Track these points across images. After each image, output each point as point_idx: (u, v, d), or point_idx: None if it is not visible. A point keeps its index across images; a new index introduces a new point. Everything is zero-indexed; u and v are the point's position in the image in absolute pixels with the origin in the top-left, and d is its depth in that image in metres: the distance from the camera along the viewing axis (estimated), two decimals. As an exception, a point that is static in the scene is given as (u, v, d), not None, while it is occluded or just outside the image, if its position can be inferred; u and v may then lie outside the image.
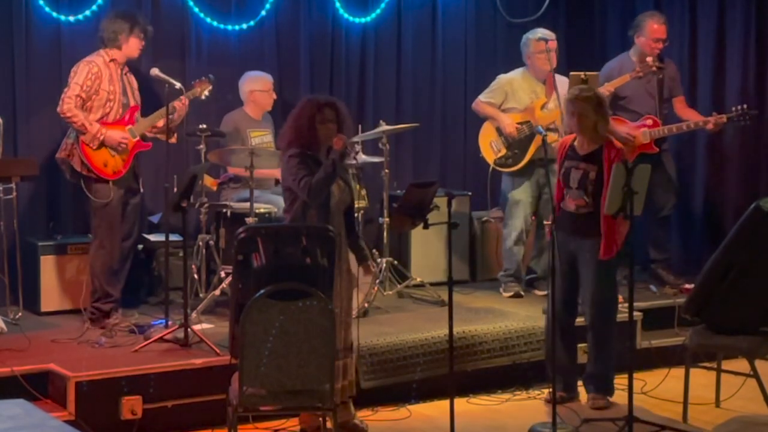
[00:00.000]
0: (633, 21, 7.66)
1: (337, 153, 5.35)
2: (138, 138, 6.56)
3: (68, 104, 6.35)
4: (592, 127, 5.86)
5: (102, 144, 6.40)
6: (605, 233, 5.79)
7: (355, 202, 5.89)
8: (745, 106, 7.25)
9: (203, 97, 6.79)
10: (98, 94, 6.43)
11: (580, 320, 6.17)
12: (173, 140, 6.57)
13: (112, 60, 6.52)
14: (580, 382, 6.18)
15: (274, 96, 7.43)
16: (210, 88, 6.77)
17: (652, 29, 7.46)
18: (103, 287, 6.50)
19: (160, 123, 6.52)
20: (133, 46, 6.60)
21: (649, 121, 7.43)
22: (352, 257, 5.57)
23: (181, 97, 6.51)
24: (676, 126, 7.43)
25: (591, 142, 5.90)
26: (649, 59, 7.35)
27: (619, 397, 5.95)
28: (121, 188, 6.53)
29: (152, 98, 6.89)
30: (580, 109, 5.87)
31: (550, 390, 6.00)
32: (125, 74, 6.63)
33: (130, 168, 6.57)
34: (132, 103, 6.61)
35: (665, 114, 7.56)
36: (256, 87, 7.36)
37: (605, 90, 7.05)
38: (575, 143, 5.98)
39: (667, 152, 7.68)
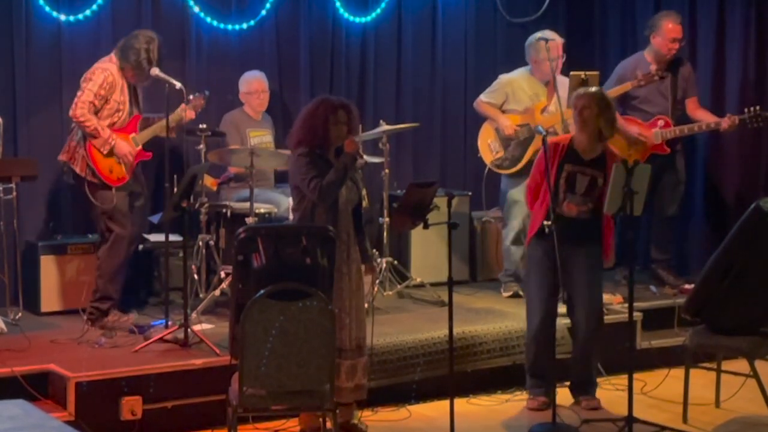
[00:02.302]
0: (648, 21, 7.58)
1: (349, 156, 5.36)
2: (140, 147, 6.56)
3: (82, 109, 6.32)
4: (595, 124, 5.79)
5: (111, 151, 6.40)
6: (608, 239, 5.85)
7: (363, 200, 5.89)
8: (758, 107, 7.14)
9: (195, 114, 6.77)
10: (108, 103, 6.41)
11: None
12: (172, 135, 6.57)
13: (122, 68, 6.51)
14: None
15: (267, 95, 7.45)
16: (203, 104, 6.75)
17: (668, 29, 7.38)
18: (106, 288, 6.49)
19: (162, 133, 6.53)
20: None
21: (661, 122, 7.40)
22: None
23: (187, 110, 6.51)
24: (687, 127, 7.39)
25: (594, 144, 5.85)
26: (652, 67, 7.25)
27: (619, 397, 5.95)
28: (124, 192, 6.52)
29: (152, 98, 6.88)
30: (585, 102, 5.80)
31: (530, 397, 6.08)
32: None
33: (133, 175, 6.57)
34: (135, 111, 6.61)
35: (679, 115, 7.51)
36: (246, 89, 7.44)
37: None
38: (576, 146, 5.88)
39: (680, 153, 7.63)
